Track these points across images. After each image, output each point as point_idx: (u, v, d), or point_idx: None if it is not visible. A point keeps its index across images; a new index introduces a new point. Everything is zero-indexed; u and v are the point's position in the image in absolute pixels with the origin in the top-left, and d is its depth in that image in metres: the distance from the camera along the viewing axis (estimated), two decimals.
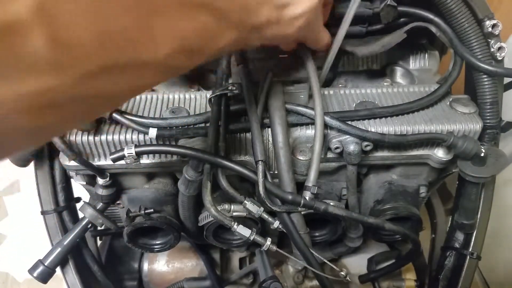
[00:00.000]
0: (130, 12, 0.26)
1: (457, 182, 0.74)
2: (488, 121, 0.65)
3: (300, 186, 0.60)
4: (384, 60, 0.77)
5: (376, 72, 0.76)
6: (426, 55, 0.75)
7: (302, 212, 0.61)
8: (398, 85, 0.71)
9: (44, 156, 0.72)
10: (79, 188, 0.74)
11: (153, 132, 0.60)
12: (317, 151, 0.58)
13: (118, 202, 0.73)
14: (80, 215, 0.71)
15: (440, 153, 0.65)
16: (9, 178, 1.86)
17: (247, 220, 0.67)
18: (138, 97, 0.67)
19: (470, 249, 0.75)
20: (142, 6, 0.27)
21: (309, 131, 0.64)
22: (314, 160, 0.58)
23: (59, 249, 0.70)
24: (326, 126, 0.62)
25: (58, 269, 0.73)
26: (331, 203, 0.64)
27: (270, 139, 0.61)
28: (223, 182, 0.60)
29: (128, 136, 0.61)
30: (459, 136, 0.61)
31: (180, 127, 0.62)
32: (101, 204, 0.69)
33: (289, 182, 0.58)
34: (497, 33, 0.62)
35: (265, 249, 0.63)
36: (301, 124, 0.64)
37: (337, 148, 0.62)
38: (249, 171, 0.58)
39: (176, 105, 0.65)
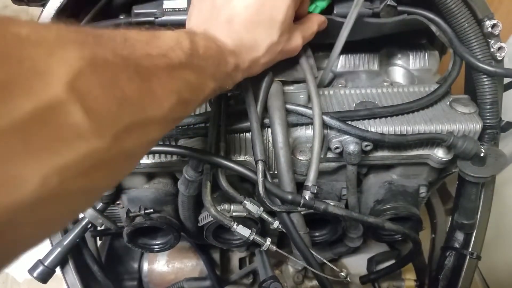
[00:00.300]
0: (133, 80, 0.32)
1: (457, 182, 0.74)
2: (488, 121, 0.65)
3: (300, 186, 0.60)
4: (384, 60, 0.77)
5: (376, 72, 0.76)
6: (426, 55, 0.75)
7: (302, 212, 0.61)
8: (398, 85, 0.71)
9: None
10: None
11: None
12: (316, 151, 0.58)
13: (118, 202, 0.73)
14: (80, 215, 0.71)
15: (440, 153, 0.65)
16: None
17: (247, 220, 0.67)
18: None
19: (470, 249, 0.75)
20: (141, 74, 0.33)
21: (309, 131, 0.64)
22: (314, 160, 0.58)
23: (59, 249, 0.70)
24: (326, 126, 0.62)
25: (58, 269, 0.73)
26: (331, 203, 0.64)
27: (270, 139, 0.61)
28: (223, 182, 0.60)
29: None
30: (459, 136, 0.61)
31: (180, 127, 0.62)
32: (101, 204, 0.70)
33: (289, 182, 0.58)
34: (497, 33, 0.62)
35: (265, 249, 0.63)
36: (301, 124, 0.64)
37: (337, 148, 0.62)
38: (249, 171, 0.58)
39: None
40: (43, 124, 0.24)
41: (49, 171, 0.24)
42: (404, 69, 0.76)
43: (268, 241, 0.63)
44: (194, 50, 0.42)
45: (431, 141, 0.64)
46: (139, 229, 0.70)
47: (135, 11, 0.66)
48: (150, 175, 0.72)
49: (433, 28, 0.65)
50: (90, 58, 0.28)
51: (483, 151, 0.61)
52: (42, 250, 0.71)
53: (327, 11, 0.64)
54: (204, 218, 0.69)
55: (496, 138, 0.68)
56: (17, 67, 0.24)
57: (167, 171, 0.71)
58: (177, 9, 0.64)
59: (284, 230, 0.61)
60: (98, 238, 0.94)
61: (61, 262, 0.72)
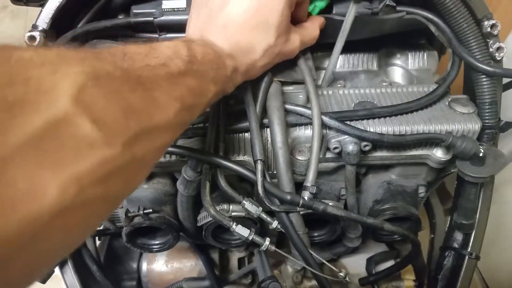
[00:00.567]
0: (136, 90, 0.33)
1: (456, 182, 0.74)
2: (487, 121, 0.65)
3: (299, 186, 0.60)
4: (383, 60, 0.77)
5: (375, 72, 0.76)
6: (425, 55, 0.75)
7: (301, 212, 0.61)
8: (397, 85, 0.71)
9: None
10: None
11: None
12: (315, 151, 0.58)
13: None
14: None
15: (439, 153, 0.65)
16: None
17: (246, 220, 0.67)
18: None
19: (469, 249, 0.74)
20: (142, 84, 0.35)
21: (308, 131, 0.64)
22: (313, 160, 0.58)
23: None
24: (325, 126, 0.62)
25: (57, 269, 0.73)
26: (330, 203, 0.64)
27: (269, 139, 0.61)
28: (222, 182, 0.60)
29: None
30: (458, 136, 0.61)
31: None
32: None
33: (288, 182, 0.58)
34: (496, 33, 0.62)
35: (264, 249, 0.63)
36: (300, 124, 0.64)
37: (336, 148, 0.62)
38: (248, 171, 0.58)
39: None
40: (55, 137, 0.25)
41: (67, 181, 0.25)
42: (403, 69, 0.76)
43: (267, 241, 0.63)
44: (192, 57, 0.43)
45: (430, 141, 0.64)
46: (138, 229, 0.70)
47: (134, 11, 0.66)
48: (149, 175, 0.71)
49: (432, 28, 0.65)
50: (91, 72, 0.29)
51: (482, 151, 0.61)
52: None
53: (326, 11, 0.64)
54: (203, 218, 0.69)
55: (495, 138, 0.68)
56: (24, 87, 0.25)
57: (166, 171, 0.71)
58: (176, 9, 0.64)
59: (283, 230, 0.61)
60: (97, 238, 0.94)
61: (60, 262, 0.72)
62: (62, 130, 0.25)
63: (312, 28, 0.60)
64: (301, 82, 0.63)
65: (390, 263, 0.92)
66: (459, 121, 0.63)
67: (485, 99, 0.65)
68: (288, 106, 0.62)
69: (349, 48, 0.75)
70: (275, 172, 0.60)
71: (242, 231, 0.62)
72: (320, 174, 0.66)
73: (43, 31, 0.62)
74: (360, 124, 0.62)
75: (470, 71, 0.66)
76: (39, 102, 0.25)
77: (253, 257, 0.96)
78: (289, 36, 0.56)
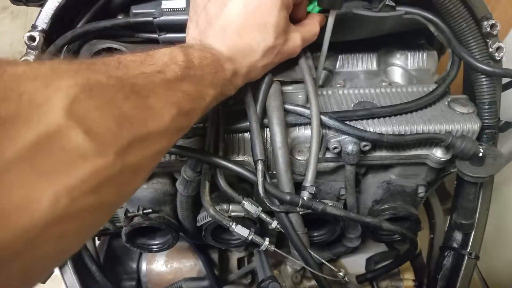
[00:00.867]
0: (130, 98, 0.34)
1: (456, 182, 0.74)
2: (486, 121, 0.65)
3: (298, 186, 0.60)
4: (382, 60, 0.77)
5: (375, 72, 0.76)
6: (425, 55, 0.75)
7: (300, 212, 0.61)
8: (396, 85, 0.71)
9: None
10: None
11: None
12: (314, 151, 0.58)
13: None
14: None
15: (438, 153, 0.65)
16: None
17: (246, 220, 0.67)
18: None
19: (469, 249, 0.74)
20: (137, 92, 0.35)
21: (307, 131, 0.64)
22: (312, 160, 0.58)
23: None
24: (324, 126, 0.62)
25: (56, 269, 0.72)
26: (329, 203, 0.64)
27: (269, 139, 0.61)
28: (222, 182, 0.60)
29: None
30: (458, 136, 0.61)
31: None
32: None
33: (287, 182, 0.58)
34: (495, 33, 0.62)
35: (264, 249, 0.63)
36: (300, 124, 0.64)
37: (335, 148, 0.62)
38: (248, 171, 0.58)
39: None
40: (48, 150, 0.26)
41: (59, 192, 0.26)
42: (402, 69, 0.76)
43: (267, 241, 0.63)
44: (189, 62, 0.44)
45: (430, 141, 0.64)
46: (138, 229, 0.70)
47: (134, 11, 0.66)
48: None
49: (432, 28, 0.65)
50: (84, 84, 0.30)
51: (482, 151, 0.61)
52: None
53: (326, 10, 0.64)
54: (203, 218, 0.69)
55: (495, 138, 0.68)
56: (17, 102, 0.26)
57: (166, 171, 0.71)
58: (175, 9, 0.64)
59: (283, 230, 0.61)
60: (96, 238, 0.94)
61: None
62: (55, 143, 0.26)
63: (311, 24, 0.60)
64: (300, 82, 0.63)
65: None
66: (458, 121, 0.63)
67: (485, 99, 0.65)
68: (288, 106, 0.62)
69: (349, 48, 0.75)
70: (274, 172, 0.60)
71: (242, 231, 0.62)
72: (319, 174, 0.66)
73: (43, 31, 0.62)
74: (360, 124, 0.62)
75: (469, 71, 0.66)
76: (32, 116, 0.26)
77: (252, 257, 0.96)
78: (289, 35, 0.56)
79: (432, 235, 0.92)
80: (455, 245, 0.78)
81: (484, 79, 0.64)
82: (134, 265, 0.95)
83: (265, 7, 0.51)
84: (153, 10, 0.64)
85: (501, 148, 0.68)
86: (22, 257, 0.25)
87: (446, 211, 0.84)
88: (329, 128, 0.62)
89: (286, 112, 0.62)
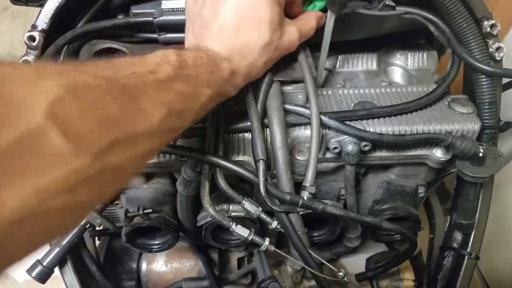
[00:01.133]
0: (118, 99, 0.34)
1: (455, 182, 0.74)
2: (486, 121, 0.65)
3: (298, 186, 0.59)
4: (382, 60, 0.77)
5: (375, 72, 0.76)
6: (425, 55, 0.75)
7: (301, 212, 0.61)
8: (396, 85, 0.71)
9: None
10: None
11: None
12: (314, 151, 0.58)
13: (116, 202, 0.73)
14: None
15: (438, 153, 0.65)
16: None
17: (246, 220, 0.67)
18: None
19: (469, 249, 0.75)
20: (127, 93, 0.35)
21: (307, 131, 0.64)
22: (312, 160, 0.58)
23: (57, 249, 0.70)
24: (324, 126, 0.62)
25: (56, 269, 0.73)
26: (329, 203, 0.64)
27: (269, 139, 0.61)
28: (222, 182, 0.60)
29: None
30: (458, 136, 0.61)
31: None
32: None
33: (287, 182, 0.58)
34: (495, 33, 0.62)
35: (264, 249, 0.63)
36: (300, 124, 0.64)
37: (335, 148, 0.62)
38: (248, 171, 0.58)
39: None
40: (24, 151, 0.26)
41: (27, 193, 0.26)
42: (402, 69, 0.76)
43: (267, 241, 0.63)
44: (182, 62, 0.44)
45: (430, 141, 0.64)
46: (138, 229, 0.70)
47: (134, 11, 0.66)
48: (148, 175, 0.71)
49: (432, 28, 0.65)
50: (69, 85, 0.30)
51: (482, 151, 0.61)
52: (43, 251, 0.71)
53: (326, 10, 0.64)
54: (203, 218, 0.69)
55: (495, 138, 0.68)
56: None
57: (166, 171, 0.71)
58: (175, 9, 0.64)
59: (283, 230, 0.61)
60: (96, 238, 0.94)
61: (60, 262, 0.72)
62: (32, 144, 0.26)
63: (308, 19, 0.60)
64: (300, 81, 0.63)
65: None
66: (458, 121, 0.63)
67: (485, 99, 0.65)
68: (288, 106, 0.62)
69: (349, 48, 0.75)
70: (274, 172, 0.60)
71: (242, 231, 0.62)
72: (319, 174, 0.66)
73: (43, 31, 0.62)
74: (360, 124, 0.62)
75: (469, 71, 0.66)
76: (12, 116, 0.26)
77: (252, 257, 0.96)
78: (285, 29, 0.56)
79: (432, 235, 0.92)
80: (455, 245, 0.78)
81: (484, 79, 0.64)
82: (134, 265, 0.95)
83: (258, 4, 0.52)
84: (153, 10, 0.64)
85: (501, 148, 0.67)
86: None
87: (446, 211, 0.84)
88: (329, 128, 0.62)
89: (286, 112, 0.62)
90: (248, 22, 0.52)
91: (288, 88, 0.64)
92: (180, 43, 0.63)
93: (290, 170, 0.59)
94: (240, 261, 0.98)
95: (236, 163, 0.59)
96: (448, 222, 0.79)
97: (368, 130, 0.61)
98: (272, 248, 0.63)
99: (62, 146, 0.28)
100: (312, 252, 0.61)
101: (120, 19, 0.66)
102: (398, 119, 0.63)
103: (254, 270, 0.92)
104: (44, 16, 0.62)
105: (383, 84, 0.73)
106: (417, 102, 0.64)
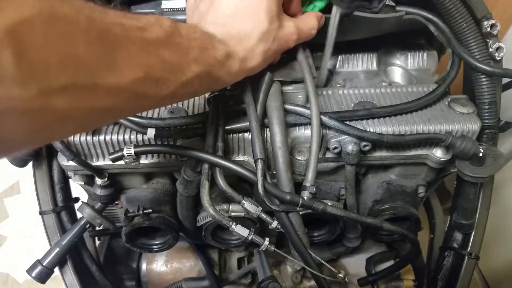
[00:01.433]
0: (93, 44, 0.31)
1: (455, 182, 0.74)
2: (486, 121, 0.65)
3: (298, 186, 0.59)
4: (382, 60, 0.77)
5: (375, 72, 0.76)
6: (425, 55, 0.75)
7: (301, 212, 0.61)
8: (396, 85, 0.71)
9: (43, 156, 0.72)
10: (77, 188, 0.74)
11: (151, 133, 0.60)
12: (314, 151, 0.58)
13: (116, 202, 0.73)
14: (79, 215, 0.71)
15: (438, 153, 0.65)
16: (9, 180, 1.86)
17: (246, 220, 0.67)
18: None
19: (469, 249, 0.75)
20: (106, 41, 0.32)
21: (307, 131, 0.64)
22: (312, 160, 0.58)
23: (57, 249, 0.70)
24: (324, 126, 0.62)
25: (56, 270, 0.73)
26: (329, 203, 0.64)
27: (269, 139, 0.61)
28: (222, 182, 0.60)
29: (127, 136, 0.61)
30: (458, 136, 0.61)
31: (179, 127, 0.62)
32: (100, 204, 0.69)
33: (287, 182, 0.58)
34: (495, 33, 0.62)
35: (264, 249, 0.63)
36: (300, 124, 0.64)
37: (335, 148, 0.62)
38: (248, 171, 0.58)
39: (174, 105, 0.65)
40: None
41: None
42: (402, 69, 0.76)
43: (267, 241, 0.63)
44: (175, 29, 0.41)
45: (430, 141, 0.64)
46: (138, 229, 0.70)
47: (134, 11, 0.66)
48: (148, 175, 0.72)
49: (432, 28, 0.65)
50: (45, 8, 0.27)
51: (482, 151, 0.61)
52: (43, 251, 0.71)
53: (326, 11, 0.64)
54: (203, 218, 0.69)
55: (495, 138, 0.68)
56: None
57: (166, 171, 0.71)
58: (175, 9, 0.64)
59: (283, 230, 0.61)
60: (96, 238, 0.94)
61: (60, 262, 0.72)
62: None
63: (307, 18, 0.60)
64: (300, 81, 0.63)
65: (389, 263, 0.92)
66: (458, 121, 0.63)
67: (485, 99, 0.65)
68: (288, 106, 0.62)
69: (349, 48, 0.75)
70: (274, 172, 0.60)
71: (242, 231, 0.62)
72: (319, 174, 0.66)
73: None
74: (360, 124, 0.62)
75: (469, 71, 0.66)
76: None
77: (252, 257, 0.96)
78: (283, 22, 0.56)
79: (432, 235, 0.92)
80: (455, 245, 0.78)
81: (484, 79, 0.64)
82: (134, 265, 0.95)
83: None
84: (153, 10, 0.65)
85: (501, 148, 0.67)
86: None
87: (446, 211, 0.84)
88: (329, 128, 0.62)
89: (286, 112, 0.62)
90: (244, 11, 0.52)
91: (288, 88, 0.64)
92: None
93: (290, 170, 0.59)
94: (240, 261, 0.98)
95: (236, 162, 0.59)
96: (448, 222, 0.79)
97: (368, 130, 0.61)
98: (272, 248, 0.63)
99: (8, 68, 0.25)
100: (311, 253, 0.61)
101: None
102: (398, 119, 0.63)
103: (254, 270, 0.92)
104: None
105: (383, 84, 0.73)
106: (417, 102, 0.64)
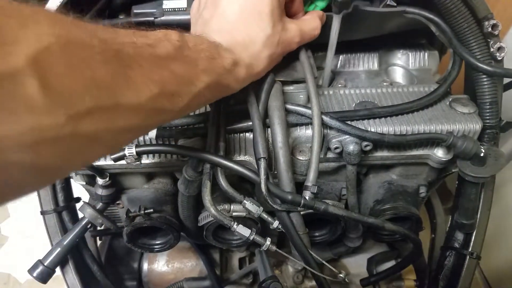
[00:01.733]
0: (109, 64, 0.32)
1: (457, 182, 0.74)
2: (487, 121, 0.65)
3: (299, 186, 0.60)
4: (383, 60, 0.77)
5: (376, 72, 0.76)
6: (426, 55, 0.75)
7: (302, 212, 0.61)
8: (397, 85, 0.71)
9: None
10: (78, 188, 0.74)
11: (152, 132, 0.60)
12: (315, 151, 0.58)
13: (117, 202, 0.73)
14: (80, 215, 0.71)
15: (439, 153, 0.65)
16: None
17: (247, 220, 0.67)
18: None
19: (470, 249, 0.74)
20: (121, 60, 0.33)
21: (308, 131, 0.64)
22: (313, 160, 0.58)
23: (58, 249, 0.70)
24: (325, 126, 0.62)
25: (58, 269, 0.73)
26: (331, 203, 0.64)
27: (270, 139, 0.61)
28: (223, 182, 0.60)
29: None
30: (459, 136, 0.61)
31: (180, 127, 0.62)
32: (101, 204, 0.70)
33: (288, 182, 0.58)
34: (496, 33, 0.62)
35: (265, 249, 0.63)
36: (301, 124, 0.64)
37: (336, 148, 0.62)
38: (250, 171, 0.58)
39: None
40: None
41: None
42: (403, 69, 0.76)
43: (268, 241, 0.63)
44: (183, 42, 0.42)
45: (431, 141, 0.64)
46: (139, 229, 0.70)
47: (135, 11, 0.66)
48: (149, 175, 0.72)
49: (433, 28, 0.65)
50: (62, 36, 0.28)
51: (483, 151, 0.61)
52: (44, 251, 0.71)
53: (327, 11, 0.64)
54: (204, 218, 0.69)
55: (496, 138, 0.68)
56: None
57: (167, 171, 0.71)
58: (176, 9, 0.64)
59: (284, 230, 0.61)
60: (98, 238, 0.94)
61: (61, 262, 0.72)
62: (6, 87, 0.24)
63: (310, 19, 0.60)
64: (302, 81, 0.63)
65: (390, 263, 0.92)
66: (459, 121, 0.63)
67: (486, 99, 0.65)
68: (289, 106, 0.62)
69: (350, 48, 0.75)
70: (275, 172, 0.60)
71: (243, 231, 0.62)
72: (321, 174, 0.66)
73: None
74: (361, 124, 0.62)
75: (470, 71, 0.66)
76: None
77: (254, 257, 0.96)
78: (286, 25, 0.56)
79: (433, 235, 0.92)
80: (456, 245, 0.78)
81: (485, 79, 0.64)
82: (136, 265, 0.95)
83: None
84: (154, 10, 0.65)
85: (502, 148, 0.67)
86: None
87: (448, 211, 0.84)
88: (330, 128, 0.62)
89: (288, 112, 0.62)
90: (247, 16, 0.52)
91: (290, 88, 0.64)
92: None
93: (291, 170, 0.59)
94: (241, 261, 0.98)
95: (238, 162, 0.59)
96: (449, 222, 0.79)
97: (369, 130, 0.61)
98: (274, 248, 0.63)
99: (36, 99, 0.26)
100: (312, 253, 0.61)
101: (121, 19, 0.66)
102: (399, 119, 0.63)
103: (256, 270, 0.92)
104: None
105: (384, 84, 0.73)
106: (418, 102, 0.64)
